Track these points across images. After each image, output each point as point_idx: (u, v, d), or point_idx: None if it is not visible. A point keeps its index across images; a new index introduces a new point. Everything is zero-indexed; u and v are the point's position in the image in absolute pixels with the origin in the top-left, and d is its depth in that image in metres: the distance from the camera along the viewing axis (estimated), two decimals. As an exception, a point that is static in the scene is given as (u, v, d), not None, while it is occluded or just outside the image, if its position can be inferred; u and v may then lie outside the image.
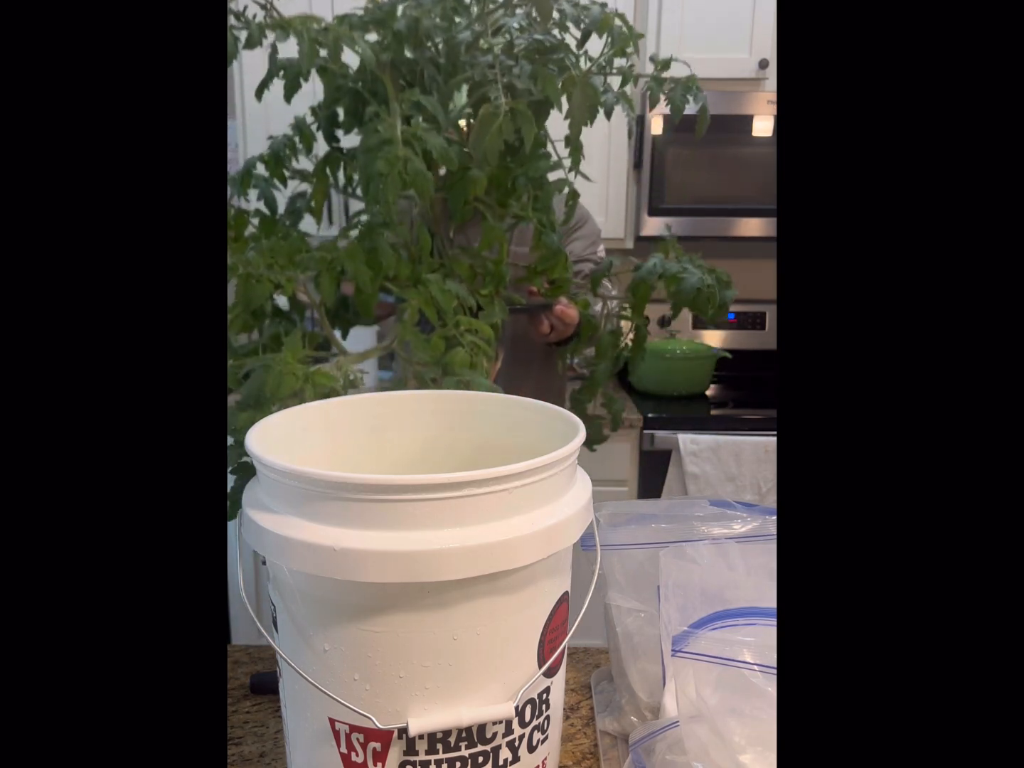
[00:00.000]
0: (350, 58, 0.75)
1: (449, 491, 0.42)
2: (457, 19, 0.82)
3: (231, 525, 0.50)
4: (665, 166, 2.07)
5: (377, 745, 0.46)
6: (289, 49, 0.74)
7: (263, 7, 0.79)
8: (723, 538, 0.63)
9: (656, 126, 2.06)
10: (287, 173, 0.86)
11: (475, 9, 0.82)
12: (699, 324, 2.41)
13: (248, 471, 0.57)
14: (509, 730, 0.47)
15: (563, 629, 0.51)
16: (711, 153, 2.08)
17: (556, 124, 0.83)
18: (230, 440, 0.63)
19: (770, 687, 0.47)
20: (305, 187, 0.88)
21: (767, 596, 0.53)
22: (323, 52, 0.72)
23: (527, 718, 0.49)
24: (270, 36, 0.75)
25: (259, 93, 0.83)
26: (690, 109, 0.86)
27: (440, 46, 0.82)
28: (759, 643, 0.49)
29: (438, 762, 0.46)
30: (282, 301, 0.79)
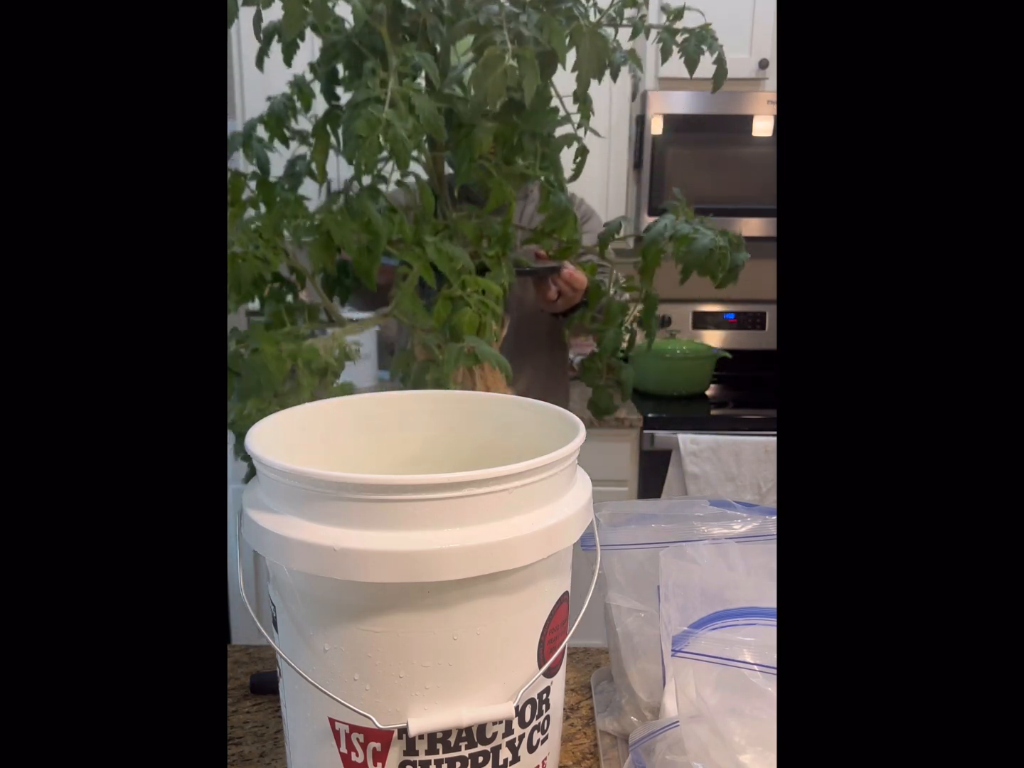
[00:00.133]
0: (346, 11, 0.71)
1: (449, 491, 0.42)
2: None
3: (231, 525, 0.50)
4: (665, 166, 2.07)
5: (377, 745, 0.46)
6: (275, 12, 0.71)
7: None
8: (723, 538, 0.63)
9: (656, 126, 2.06)
10: (287, 134, 0.82)
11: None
12: (699, 324, 2.42)
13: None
14: (509, 730, 0.47)
15: (563, 629, 0.51)
16: (711, 153, 2.08)
17: (564, 81, 0.79)
18: (230, 437, 0.63)
19: (770, 687, 0.47)
20: (305, 150, 0.84)
21: (767, 596, 0.53)
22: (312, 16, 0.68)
23: (527, 718, 0.49)
24: None
25: (259, 62, 0.80)
26: (705, 63, 0.81)
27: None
28: (759, 643, 0.49)
29: (438, 762, 0.46)
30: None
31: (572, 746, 0.68)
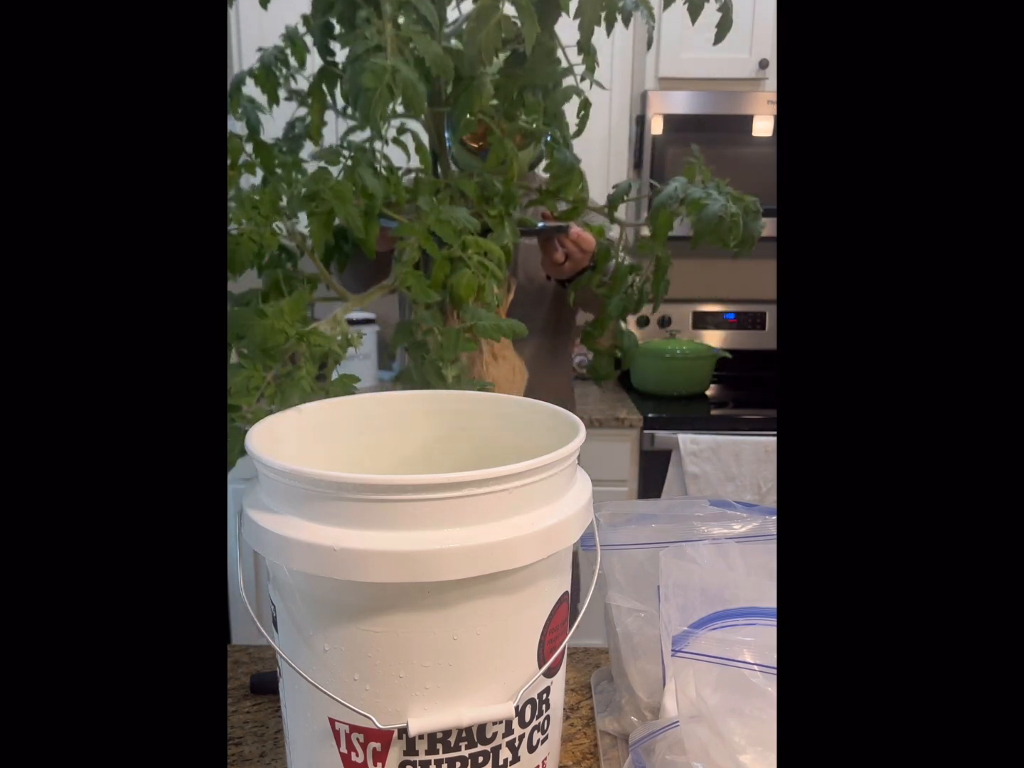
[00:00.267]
0: None
1: (449, 491, 0.42)
2: None
3: (231, 525, 0.50)
4: (665, 166, 2.07)
5: (377, 745, 0.46)
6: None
7: None
8: (723, 538, 0.63)
9: (656, 126, 2.06)
10: (282, 94, 0.77)
11: None
12: (699, 324, 2.42)
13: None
14: (509, 730, 0.47)
15: (563, 629, 0.51)
16: (711, 153, 2.07)
17: (568, 30, 0.75)
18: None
19: (770, 687, 0.47)
20: (304, 112, 0.78)
21: (767, 596, 0.53)
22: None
23: (527, 718, 0.48)
24: None
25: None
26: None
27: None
28: (759, 643, 0.49)
29: (438, 762, 0.46)
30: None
31: (572, 746, 0.68)
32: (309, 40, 0.77)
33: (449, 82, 0.74)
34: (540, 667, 0.48)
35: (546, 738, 0.51)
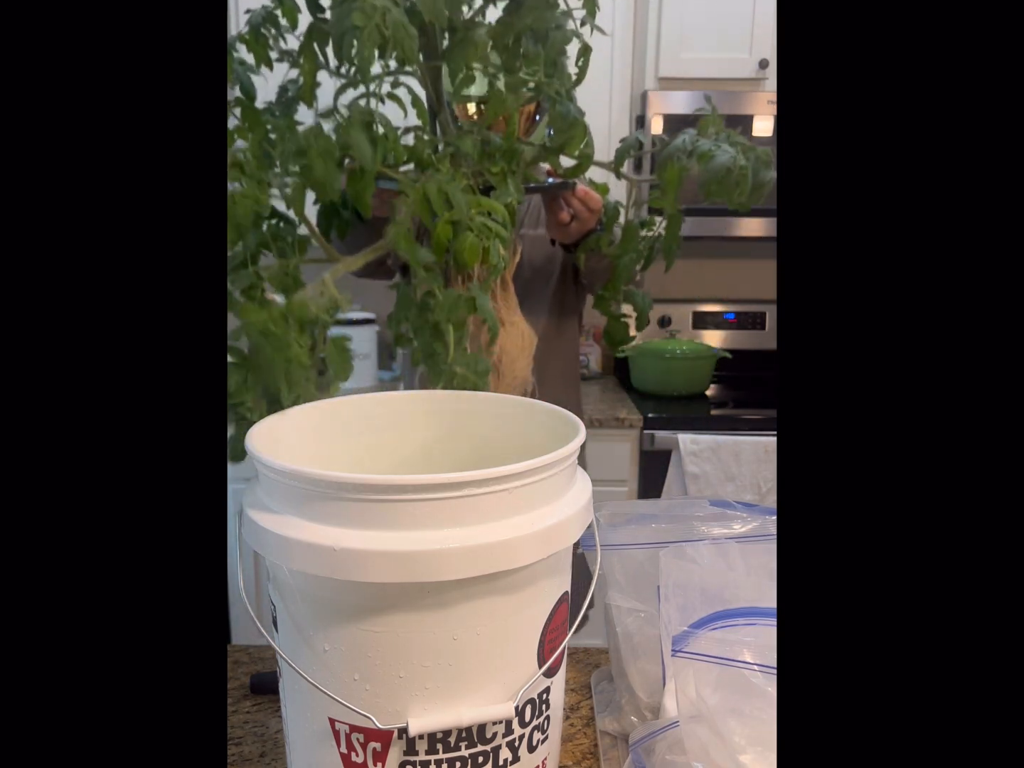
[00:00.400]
0: None
1: (449, 491, 0.42)
2: None
3: (231, 525, 0.50)
4: (665, 166, 2.07)
5: (377, 745, 0.46)
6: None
7: None
8: (723, 538, 0.63)
9: (656, 126, 2.06)
10: (273, 55, 0.73)
11: None
12: (699, 324, 2.41)
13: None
14: (509, 730, 0.47)
15: (563, 629, 0.51)
16: (711, 153, 2.08)
17: None
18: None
19: (770, 687, 0.47)
20: (297, 73, 0.74)
21: (767, 596, 0.53)
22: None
23: (527, 718, 0.48)
24: None
25: None
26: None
27: None
28: (759, 643, 0.49)
29: (438, 762, 0.46)
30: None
31: (572, 746, 0.68)
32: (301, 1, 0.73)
33: (445, 34, 0.71)
34: (540, 667, 0.48)
35: (546, 738, 0.51)
